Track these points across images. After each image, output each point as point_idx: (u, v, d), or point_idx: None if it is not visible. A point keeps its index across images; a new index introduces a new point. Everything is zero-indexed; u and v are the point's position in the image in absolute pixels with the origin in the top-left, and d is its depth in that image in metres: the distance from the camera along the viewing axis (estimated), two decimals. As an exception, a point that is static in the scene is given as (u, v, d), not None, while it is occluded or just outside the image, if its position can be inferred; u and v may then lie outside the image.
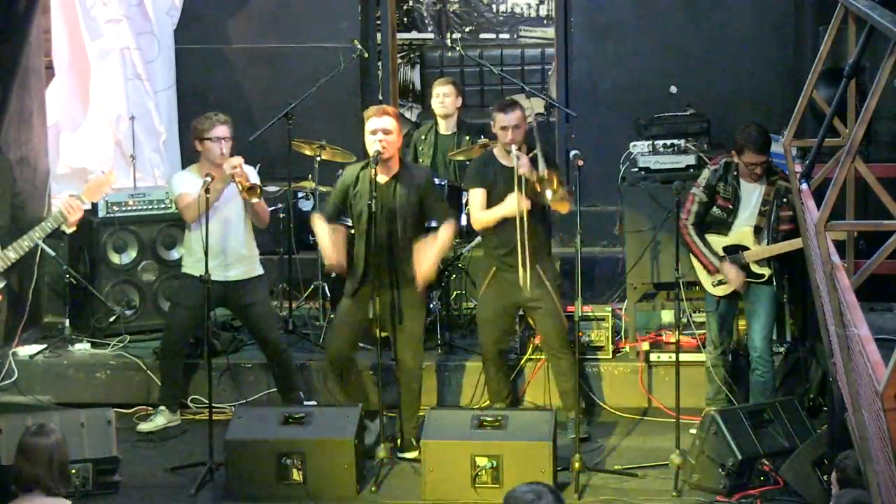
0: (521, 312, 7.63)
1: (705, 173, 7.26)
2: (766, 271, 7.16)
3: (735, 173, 7.14)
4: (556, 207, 7.06)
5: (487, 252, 7.33)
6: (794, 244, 6.96)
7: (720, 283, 7.21)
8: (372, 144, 6.91)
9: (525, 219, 6.91)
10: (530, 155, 7.00)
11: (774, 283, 7.18)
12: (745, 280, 7.14)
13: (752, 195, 7.15)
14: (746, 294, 7.25)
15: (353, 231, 7.12)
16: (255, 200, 7.15)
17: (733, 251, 7.18)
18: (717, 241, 7.22)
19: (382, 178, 6.94)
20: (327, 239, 7.00)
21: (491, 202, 7.12)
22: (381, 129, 6.93)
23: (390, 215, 6.94)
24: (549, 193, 6.83)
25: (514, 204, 6.94)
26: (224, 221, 7.25)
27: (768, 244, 7.14)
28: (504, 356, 7.52)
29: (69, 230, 7.13)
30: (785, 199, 7.06)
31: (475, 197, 7.17)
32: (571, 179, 7.20)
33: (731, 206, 7.15)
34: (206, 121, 7.27)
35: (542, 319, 7.23)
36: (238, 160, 7.18)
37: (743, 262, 7.14)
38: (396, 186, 6.96)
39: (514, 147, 6.99)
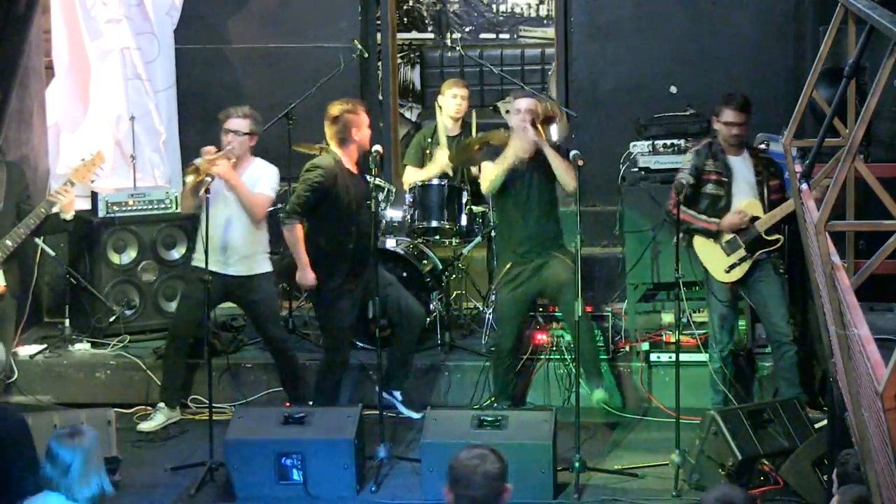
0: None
1: (688, 156, 7.39)
2: (778, 236, 7.26)
3: (720, 147, 7.29)
4: (562, 178, 7.10)
5: (502, 249, 7.45)
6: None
7: (732, 267, 7.25)
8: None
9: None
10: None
11: (773, 267, 7.31)
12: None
13: (741, 166, 7.30)
14: (751, 286, 7.32)
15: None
16: (189, 178, 7.17)
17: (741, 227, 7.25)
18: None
19: (353, 169, 7.27)
20: (306, 257, 7.16)
21: (508, 188, 7.21)
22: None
23: (365, 204, 7.17)
24: (553, 131, 6.94)
25: (516, 144, 7.11)
26: (225, 218, 7.26)
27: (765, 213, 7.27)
28: (518, 354, 7.54)
29: (68, 216, 7.16)
30: (771, 169, 7.29)
31: (486, 167, 7.31)
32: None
33: (724, 179, 7.26)
34: (224, 112, 7.33)
35: (565, 292, 7.20)
36: (208, 149, 7.24)
37: (756, 233, 7.21)
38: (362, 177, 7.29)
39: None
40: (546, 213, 7.32)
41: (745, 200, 7.26)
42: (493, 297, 7.98)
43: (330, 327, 7.38)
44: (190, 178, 7.14)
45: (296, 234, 7.14)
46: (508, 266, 7.30)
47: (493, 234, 8.11)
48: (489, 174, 7.25)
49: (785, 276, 7.47)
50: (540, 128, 7.20)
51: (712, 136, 7.42)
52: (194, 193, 7.16)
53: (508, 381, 7.49)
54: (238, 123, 7.27)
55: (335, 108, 7.21)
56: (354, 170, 7.28)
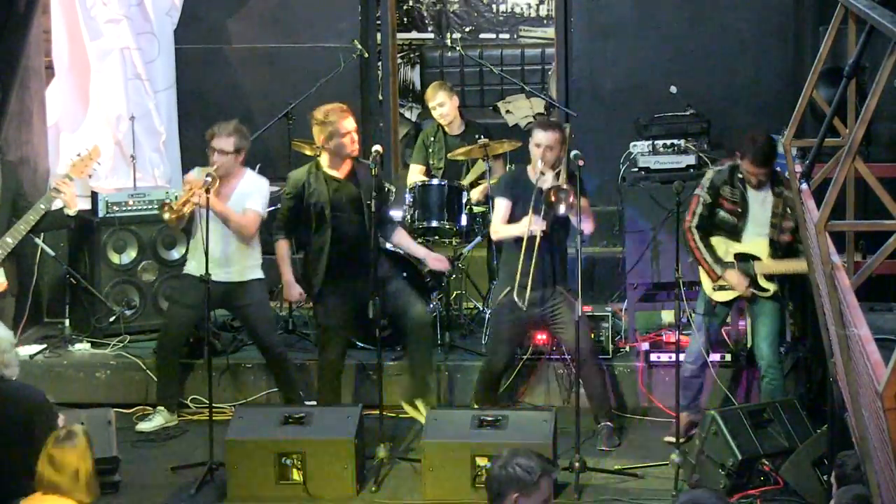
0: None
1: (709, 174, 7.15)
2: (772, 287, 7.05)
3: (740, 177, 7.04)
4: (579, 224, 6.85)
5: (503, 274, 7.31)
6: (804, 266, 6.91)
7: (721, 288, 7.13)
8: (350, 145, 7.11)
9: (537, 242, 6.90)
10: (555, 171, 6.98)
11: (780, 294, 7.12)
12: (749, 287, 7.03)
13: (759, 202, 7.04)
14: (751, 303, 7.19)
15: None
16: (165, 216, 7.16)
17: (744, 259, 7.08)
18: (730, 246, 7.10)
19: (337, 174, 7.17)
20: (290, 272, 7.28)
21: (514, 218, 7.09)
22: (353, 129, 7.14)
23: (356, 207, 7.11)
24: (562, 208, 6.79)
25: (524, 225, 6.92)
26: (216, 231, 7.23)
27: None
28: (506, 373, 7.52)
29: (72, 211, 7.17)
30: (788, 209, 6.96)
31: (499, 207, 7.17)
32: (572, 180, 7.14)
33: (739, 210, 7.03)
34: (210, 130, 7.31)
35: (566, 330, 7.09)
36: (188, 177, 7.34)
37: (752, 272, 7.03)
38: (356, 180, 7.14)
39: (541, 163, 6.96)
40: (552, 249, 7.07)
41: (752, 241, 7.06)
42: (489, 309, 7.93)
43: (317, 326, 7.54)
44: (166, 216, 7.19)
45: (278, 250, 7.30)
46: (507, 290, 7.13)
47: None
48: (499, 231, 7.15)
49: (786, 300, 7.37)
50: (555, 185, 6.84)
51: (734, 154, 7.12)
52: (178, 223, 7.30)
53: (489, 398, 7.41)
54: (224, 143, 7.22)
55: (319, 112, 7.20)
56: (341, 174, 7.20)
